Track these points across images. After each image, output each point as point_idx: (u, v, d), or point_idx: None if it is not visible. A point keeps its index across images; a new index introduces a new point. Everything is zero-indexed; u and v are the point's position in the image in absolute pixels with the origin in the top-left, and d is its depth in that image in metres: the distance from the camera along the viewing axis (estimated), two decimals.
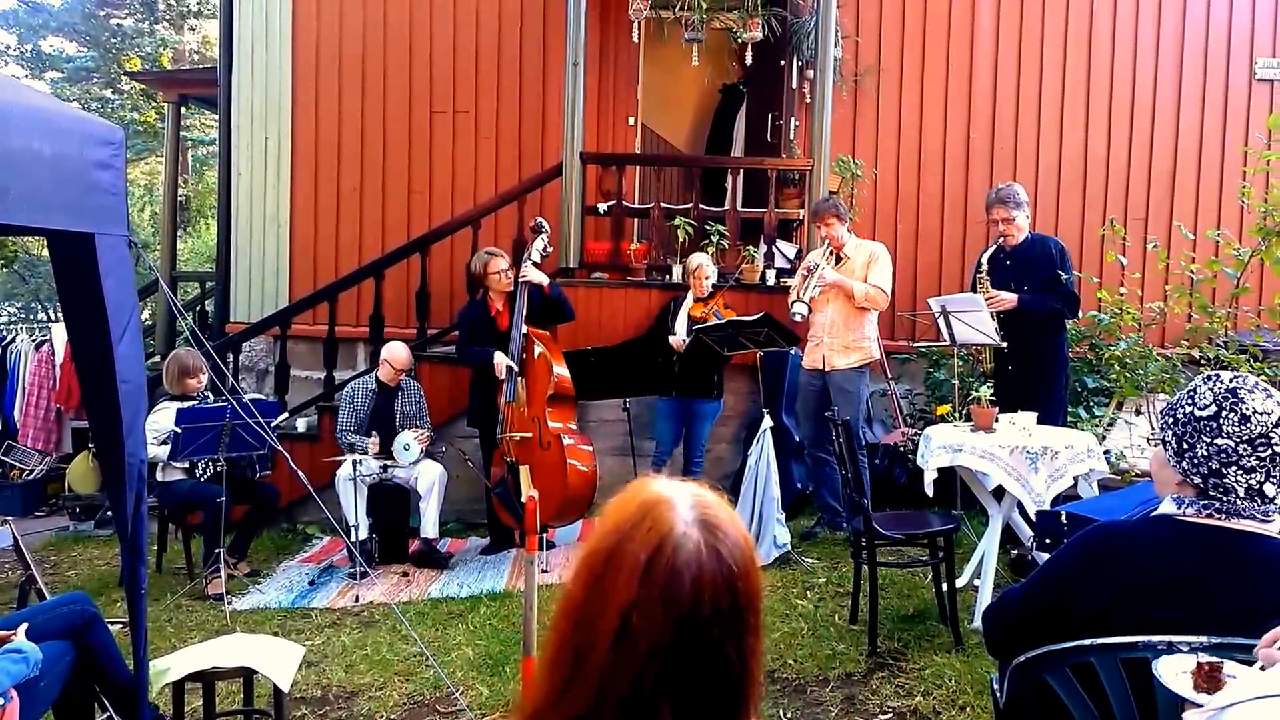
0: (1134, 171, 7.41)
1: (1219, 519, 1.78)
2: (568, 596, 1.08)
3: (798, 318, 5.44)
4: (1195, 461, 1.79)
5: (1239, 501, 1.77)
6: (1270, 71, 7.42)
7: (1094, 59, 7.38)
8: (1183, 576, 1.77)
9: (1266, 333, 5.62)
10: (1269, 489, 1.74)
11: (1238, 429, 1.74)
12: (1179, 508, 1.83)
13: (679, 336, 5.83)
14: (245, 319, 7.84)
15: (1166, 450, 1.86)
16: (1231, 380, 1.80)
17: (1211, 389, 1.79)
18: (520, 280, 5.73)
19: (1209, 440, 1.76)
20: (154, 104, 16.17)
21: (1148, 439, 5.48)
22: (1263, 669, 1.46)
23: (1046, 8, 7.37)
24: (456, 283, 7.12)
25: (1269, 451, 1.73)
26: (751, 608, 1.05)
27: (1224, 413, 1.76)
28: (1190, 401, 1.82)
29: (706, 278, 5.99)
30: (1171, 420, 1.84)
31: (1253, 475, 1.74)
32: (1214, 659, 1.48)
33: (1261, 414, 1.74)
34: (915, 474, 4.67)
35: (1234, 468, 1.74)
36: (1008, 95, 7.39)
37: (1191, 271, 5.47)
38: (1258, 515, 1.77)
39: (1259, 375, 5.01)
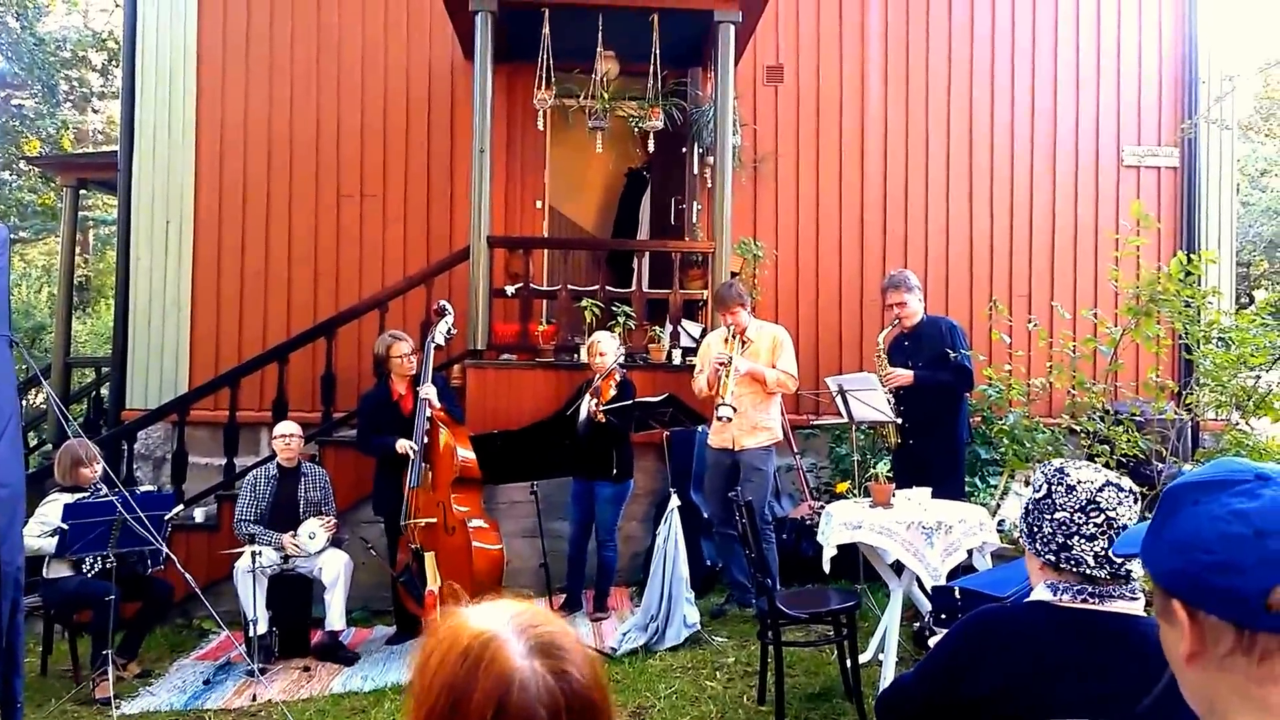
0: (1016, 253, 7.82)
1: (1093, 603, 1.85)
2: None
3: (724, 419, 5.42)
4: (1044, 540, 1.89)
5: (1106, 582, 1.84)
6: (1135, 158, 7.96)
7: (975, 144, 7.83)
8: (1063, 661, 1.82)
9: (1143, 404, 5.90)
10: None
11: (1067, 499, 1.87)
12: (1054, 595, 1.89)
13: (583, 416, 5.83)
14: (143, 405, 7.63)
15: (1023, 539, 1.97)
16: (1060, 463, 1.95)
17: (1043, 473, 1.94)
18: (420, 394, 5.65)
19: (1049, 517, 1.89)
20: (53, 185, 15.78)
21: (1014, 525, 5.68)
22: None
23: (930, 98, 7.81)
24: (364, 366, 7.05)
25: (1101, 516, 1.84)
26: (604, 708, 1.02)
27: (1054, 489, 1.89)
28: (1030, 490, 1.96)
29: (600, 355, 5.89)
30: (1023, 513, 1.97)
31: (1095, 542, 1.84)
32: None
33: (1086, 483, 1.88)
34: (821, 548, 4.77)
35: (1076, 537, 1.85)
36: (897, 181, 7.77)
37: (1071, 349, 5.76)
38: (1126, 595, 1.86)
39: (1134, 445, 5.28)
